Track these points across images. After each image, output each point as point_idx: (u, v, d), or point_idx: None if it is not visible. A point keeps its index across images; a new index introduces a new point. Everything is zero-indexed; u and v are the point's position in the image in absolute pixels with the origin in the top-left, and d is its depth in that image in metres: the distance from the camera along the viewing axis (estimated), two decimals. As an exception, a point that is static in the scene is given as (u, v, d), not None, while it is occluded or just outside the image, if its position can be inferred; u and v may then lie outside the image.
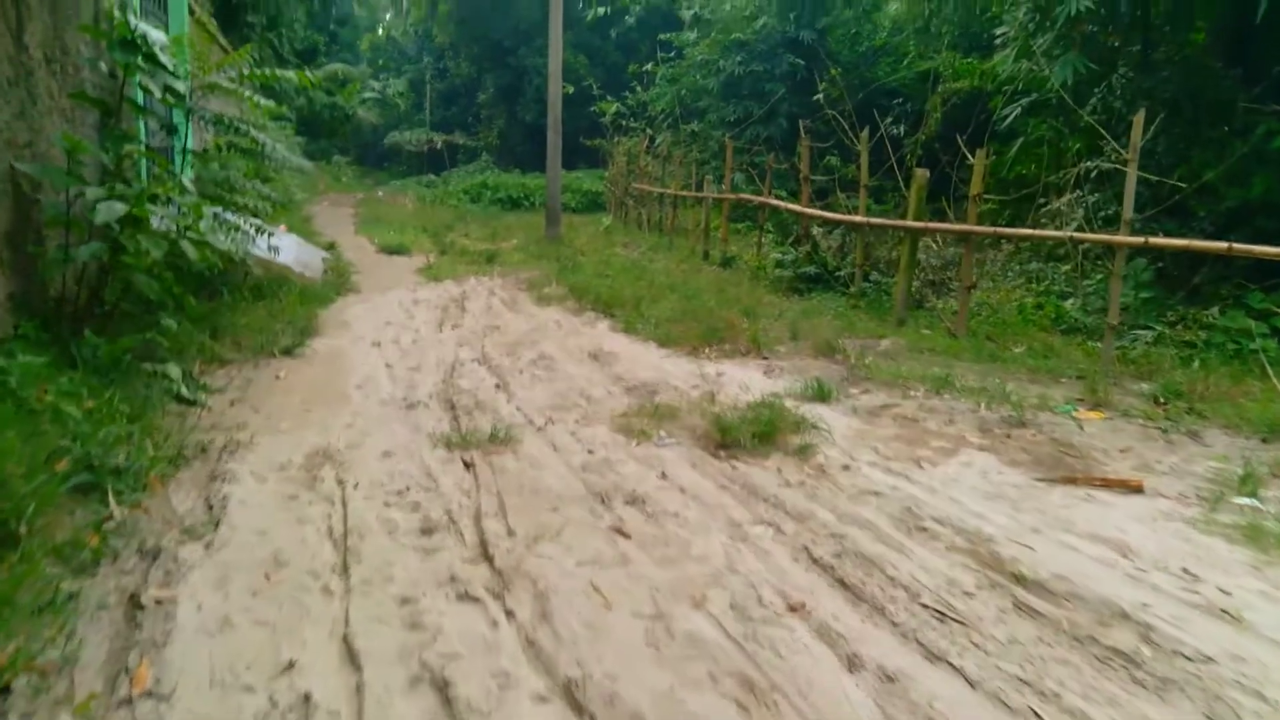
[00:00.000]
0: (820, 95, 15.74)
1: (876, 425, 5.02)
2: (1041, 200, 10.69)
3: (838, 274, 9.95)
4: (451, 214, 21.27)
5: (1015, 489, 3.97)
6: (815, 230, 10.22)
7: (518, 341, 6.95)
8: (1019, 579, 3.02)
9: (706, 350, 6.73)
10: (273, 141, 7.88)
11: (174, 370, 4.77)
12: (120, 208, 4.25)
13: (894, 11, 19.83)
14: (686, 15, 25.00)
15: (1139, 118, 6.00)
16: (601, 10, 26.02)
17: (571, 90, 21.41)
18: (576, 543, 3.21)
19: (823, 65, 19.59)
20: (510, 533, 3.28)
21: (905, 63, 19.44)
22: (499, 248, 14.35)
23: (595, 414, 4.95)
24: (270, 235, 7.62)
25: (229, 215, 7.12)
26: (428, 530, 3.28)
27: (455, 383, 5.54)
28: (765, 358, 6.57)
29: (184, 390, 4.66)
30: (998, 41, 11.14)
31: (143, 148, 6.91)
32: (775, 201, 11.13)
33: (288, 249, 9.48)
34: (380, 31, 49.15)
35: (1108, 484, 4.07)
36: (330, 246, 12.52)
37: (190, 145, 8.49)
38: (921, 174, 8.07)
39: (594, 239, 16.15)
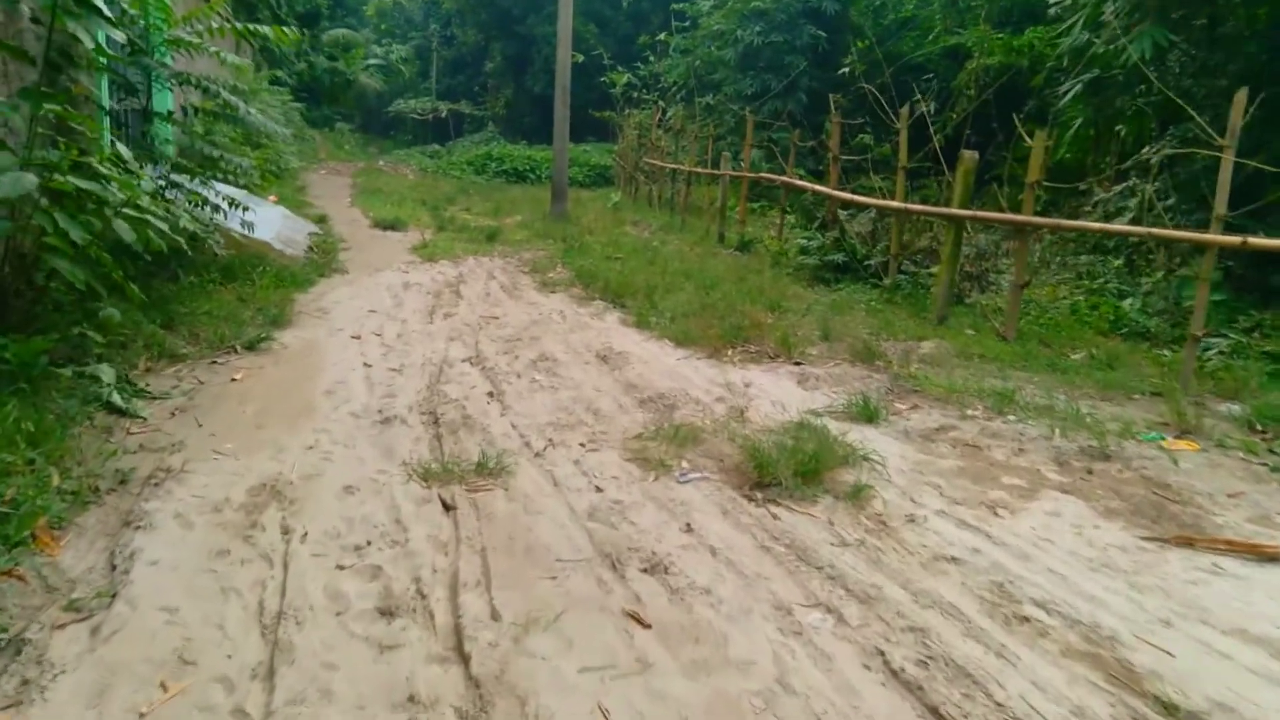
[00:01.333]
0: (846, 69, 14.82)
1: (934, 454, 4.25)
2: (1080, 186, 9.87)
3: (867, 263, 9.14)
4: (454, 186, 20.42)
5: (1122, 553, 3.21)
6: (843, 214, 9.40)
7: (516, 336, 6.18)
8: (1168, 709, 2.26)
9: (729, 351, 5.95)
10: (247, 105, 7.08)
11: (106, 372, 4.01)
12: (30, 180, 3.47)
13: (924, -19, 18.84)
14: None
15: (1240, 96, 5.17)
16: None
17: (581, 59, 20.50)
18: (580, 634, 2.46)
19: (845, 38, 18.64)
20: (495, 615, 2.52)
21: (931, 37, 18.50)
22: (501, 224, 13.54)
23: (604, 434, 4.18)
24: (245, 209, 6.84)
25: (198, 186, 6.36)
26: (388, 611, 2.53)
27: (442, 389, 4.77)
28: (797, 363, 5.79)
29: (116, 398, 3.90)
30: (1051, 12, 10.20)
31: (104, 111, 6.16)
32: (800, 182, 10.28)
33: (270, 222, 8.70)
34: (386, -4, 48.06)
35: (1234, 547, 3.30)
36: (320, 219, 11.74)
37: (167, 107, 7.72)
38: (970, 156, 7.24)
39: (602, 216, 15.31)
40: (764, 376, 5.40)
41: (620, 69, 22.45)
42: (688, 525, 3.20)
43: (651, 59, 21.74)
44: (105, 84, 6.33)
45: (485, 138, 33.49)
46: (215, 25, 6.16)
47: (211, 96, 6.45)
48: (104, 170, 3.77)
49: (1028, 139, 6.83)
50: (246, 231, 7.11)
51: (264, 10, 23.13)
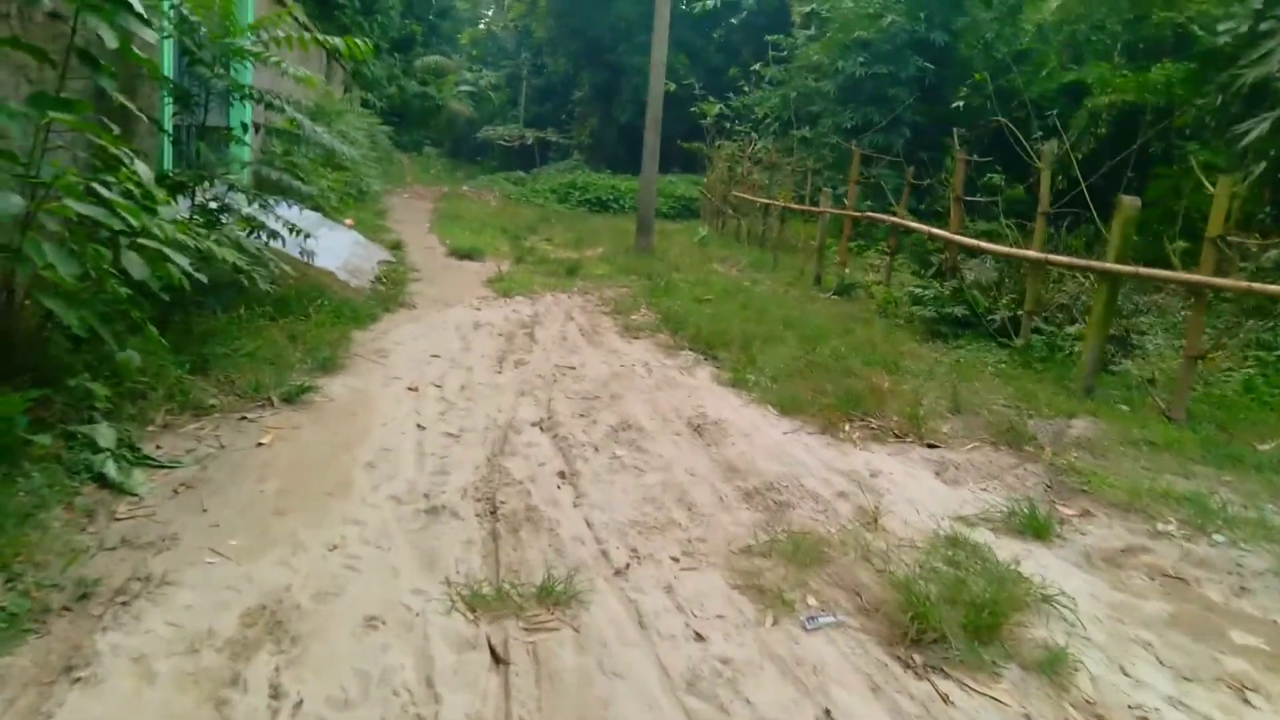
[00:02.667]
0: (959, 103, 13.77)
1: (1131, 590, 3.24)
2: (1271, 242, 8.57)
3: (990, 317, 8.07)
4: (535, 214, 19.93)
5: None
6: (968, 262, 8.36)
7: (595, 394, 5.36)
8: None
9: (846, 426, 5.01)
10: (317, 123, 6.51)
11: (103, 435, 3.32)
12: (16, 202, 2.80)
13: (1046, 12, 17.66)
14: (799, 14, 23.17)
15: None
16: (710, 2, 24.21)
17: (672, 88, 19.88)
18: None
19: (953, 71, 17.54)
20: None
21: (1045, 73, 17.32)
22: (582, 256, 12.85)
23: (702, 542, 3.29)
24: (306, 236, 6.22)
25: (257, 210, 5.76)
26: None
27: (504, 465, 3.95)
28: (930, 444, 4.81)
29: (110, 468, 3.20)
30: (1220, 40, 9.01)
31: (160, 128, 5.63)
32: (916, 224, 9.26)
33: (336, 250, 8.13)
34: (481, 26, 48.77)
35: None
36: (395, 246, 11.21)
37: (244, 122, 7.21)
38: (1130, 203, 6.17)
39: (688, 251, 14.51)
40: (893, 463, 4.44)
41: (711, 99, 21.73)
42: (826, 712, 2.29)
43: (746, 89, 20.95)
44: (165, 97, 5.80)
45: (570, 165, 33.27)
46: (282, 35, 5.58)
47: (276, 112, 5.87)
48: (109, 195, 3.09)
49: (1209, 185, 5.73)
50: (307, 260, 6.49)
51: (357, 34, 23.28)
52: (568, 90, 36.95)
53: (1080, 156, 12.94)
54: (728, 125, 19.43)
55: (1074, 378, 6.41)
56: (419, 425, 4.40)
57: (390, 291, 7.91)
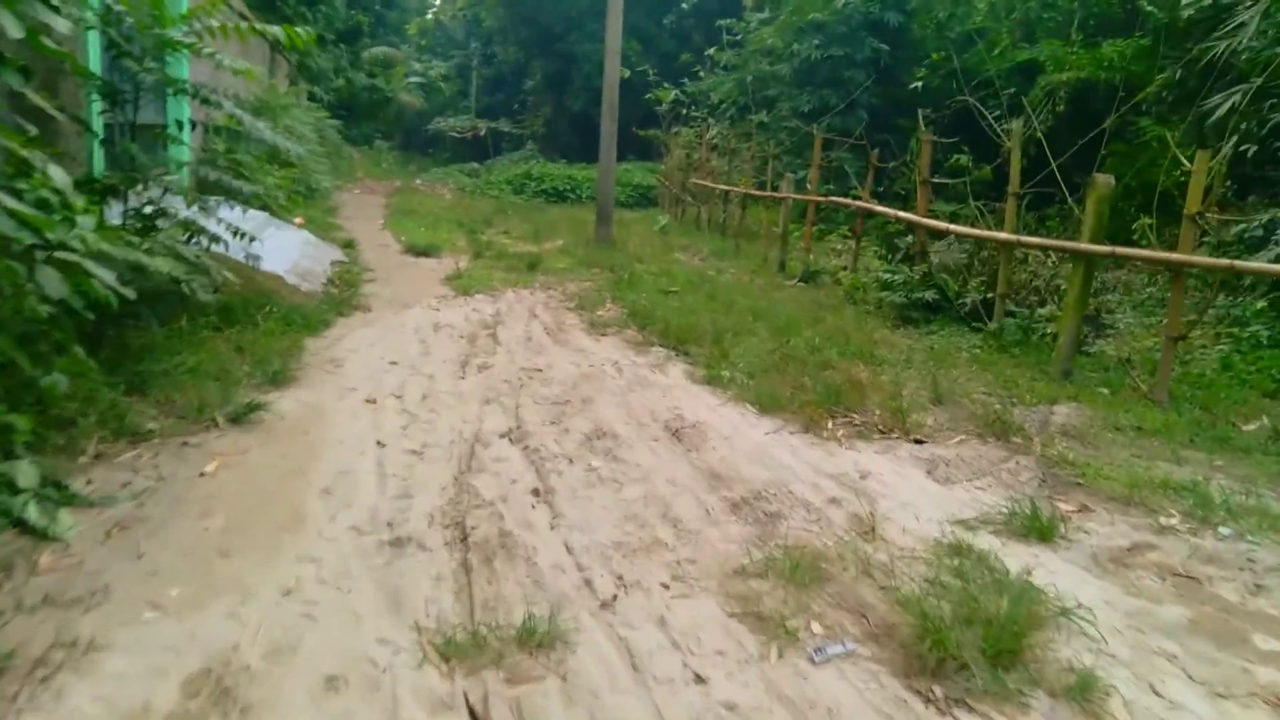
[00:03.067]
0: (918, 84, 13.64)
1: (1145, 594, 3.07)
2: (1248, 220, 8.52)
3: (961, 301, 7.94)
4: (492, 206, 19.51)
5: None
6: (935, 246, 8.21)
7: (565, 398, 5.08)
8: None
9: (829, 423, 4.80)
10: (258, 119, 6.13)
11: (25, 473, 2.97)
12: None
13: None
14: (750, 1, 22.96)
15: None
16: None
17: (627, 75, 19.55)
18: None
19: (907, 52, 17.45)
20: None
21: (998, 51, 17.30)
22: (542, 250, 12.53)
23: (692, 564, 3.05)
24: (251, 239, 5.85)
25: (195, 214, 5.37)
26: None
27: (473, 484, 3.67)
28: (917, 440, 4.62)
29: (32, 512, 2.86)
30: (1185, 14, 8.91)
31: (87, 128, 5.22)
32: (884, 209, 9.08)
33: (286, 251, 7.74)
34: (429, 16, 47.83)
35: None
36: (348, 244, 10.80)
37: (179, 120, 6.77)
38: (1103, 181, 6.04)
39: (649, 241, 14.25)
40: (881, 462, 4.24)
41: (666, 86, 21.43)
42: (848, 763, 2.06)
43: (700, 74, 20.67)
44: (91, 94, 5.39)
45: (524, 156, 32.79)
46: (217, 24, 5.20)
47: (214, 107, 5.47)
48: (14, 205, 2.74)
49: (1186, 162, 5.61)
50: (253, 264, 6.11)
51: (300, 24, 22.55)
52: (519, 80, 36.41)
53: (1041, 135, 12.94)
54: (684, 111, 19.12)
55: (1052, 361, 6.28)
56: (379, 442, 4.10)
57: (344, 294, 7.55)
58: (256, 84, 7.05)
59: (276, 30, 5.26)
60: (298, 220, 11.88)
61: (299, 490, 3.44)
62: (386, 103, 31.42)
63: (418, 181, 25.64)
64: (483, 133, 36.34)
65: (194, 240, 5.27)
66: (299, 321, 6.11)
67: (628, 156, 27.04)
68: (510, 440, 4.29)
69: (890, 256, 8.94)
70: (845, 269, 10.72)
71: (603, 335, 6.94)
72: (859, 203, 9.40)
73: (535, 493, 3.62)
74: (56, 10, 3.19)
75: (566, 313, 7.85)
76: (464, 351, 6.06)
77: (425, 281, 9.00)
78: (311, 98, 21.50)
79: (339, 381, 5.05)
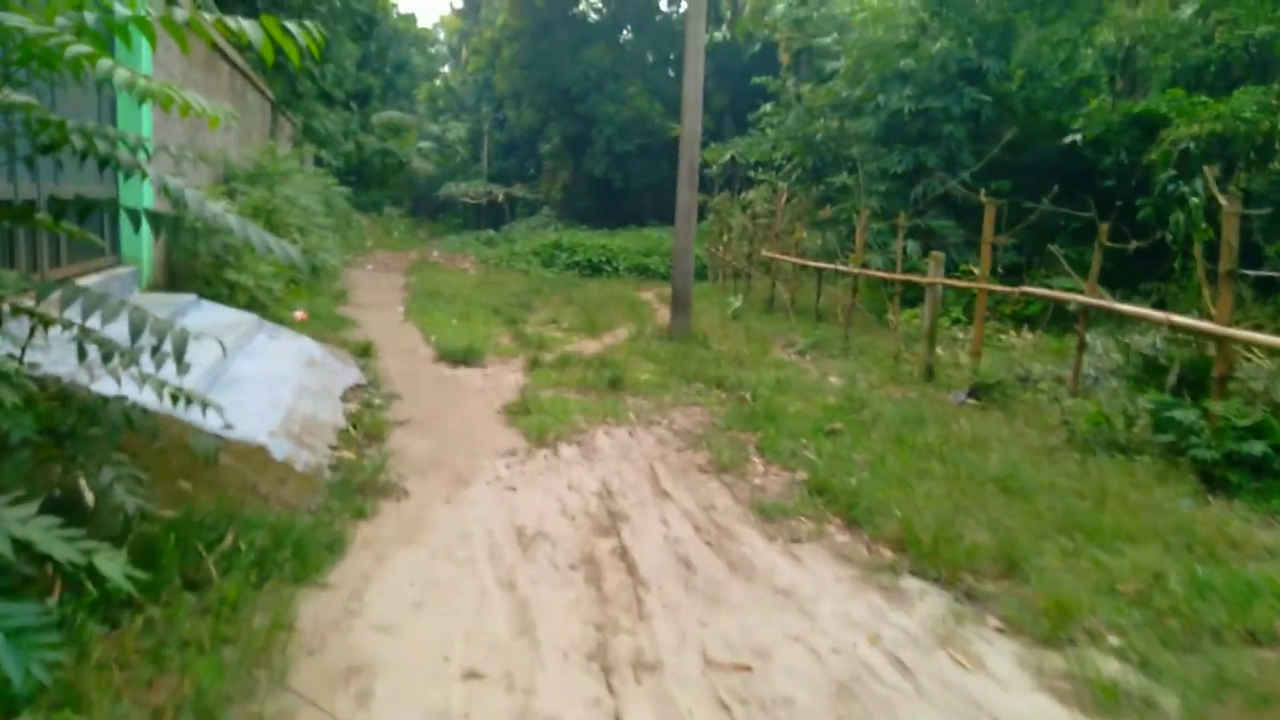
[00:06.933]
0: (1077, 135, 11.12)
1: None
2: None
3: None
4: (523, 283, 16.94)
5: None
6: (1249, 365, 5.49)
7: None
8: None
9: None
10: (216, 203, 3.50)
11: None
12: None
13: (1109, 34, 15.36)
14: (788, 54, 20.76)
15: None
16: (719, 36, 21.66)
17: (675, 133, 17.21)
18: None
19: (997, 103, 14.93)
20: None
21: (1096, 102, 14.92)
22: (606, 346, 9.87)
23: None
24: (206, 406, 3.16)
25: (118, 367, 2.70)
26: None
27: None
28: None
29: None
30: None
31: None
32: (1144, 310, 6.32)
33: (277, 387, 5.06)
34: (438, 81, 46.37)
35: None
36: (364, 352, 8.11)
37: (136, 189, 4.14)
38: None
39: (725, 328, 11.58)
40: None
41: (714, 145, 19.04)
42: None
43: (768, 129, 18.25)
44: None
45: (541, 222, 30.70)
46: (129, 13, 2.57)
47: (126, 172, 2.83)
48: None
49: None
50: (219, 433, 3.42)
51: (307, 82, 20.33)
52: (533, 143, 34.51)
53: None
54: (750, 174, 16.62)
55: None
56: None
57: (363, 461, 4.80)
58: (213, 128, 4.56)
59: (248, 25, 2.63)
60: (299, 314, 9.24)
61: None
62: (400, 168, 29.22)
63: (435, 254, 23.16)
64: (499, 198, 34.29)
65: (67, 435, 2.57)
66: (287, 553, 3.35)
67: (648, 222, 24.72)
68: None
69: (1144, 376, 6.19)
70: (1026, 379, 8.00)
71: (795, 544, 4.16)
72: (1083, 297, 6.63)
73: None
74: None
75: (703, 479, 5.10)
76: (591, 617, 3.28)
77: (478, 418, 6.28)
78: (318, 162, 19.16)
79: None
